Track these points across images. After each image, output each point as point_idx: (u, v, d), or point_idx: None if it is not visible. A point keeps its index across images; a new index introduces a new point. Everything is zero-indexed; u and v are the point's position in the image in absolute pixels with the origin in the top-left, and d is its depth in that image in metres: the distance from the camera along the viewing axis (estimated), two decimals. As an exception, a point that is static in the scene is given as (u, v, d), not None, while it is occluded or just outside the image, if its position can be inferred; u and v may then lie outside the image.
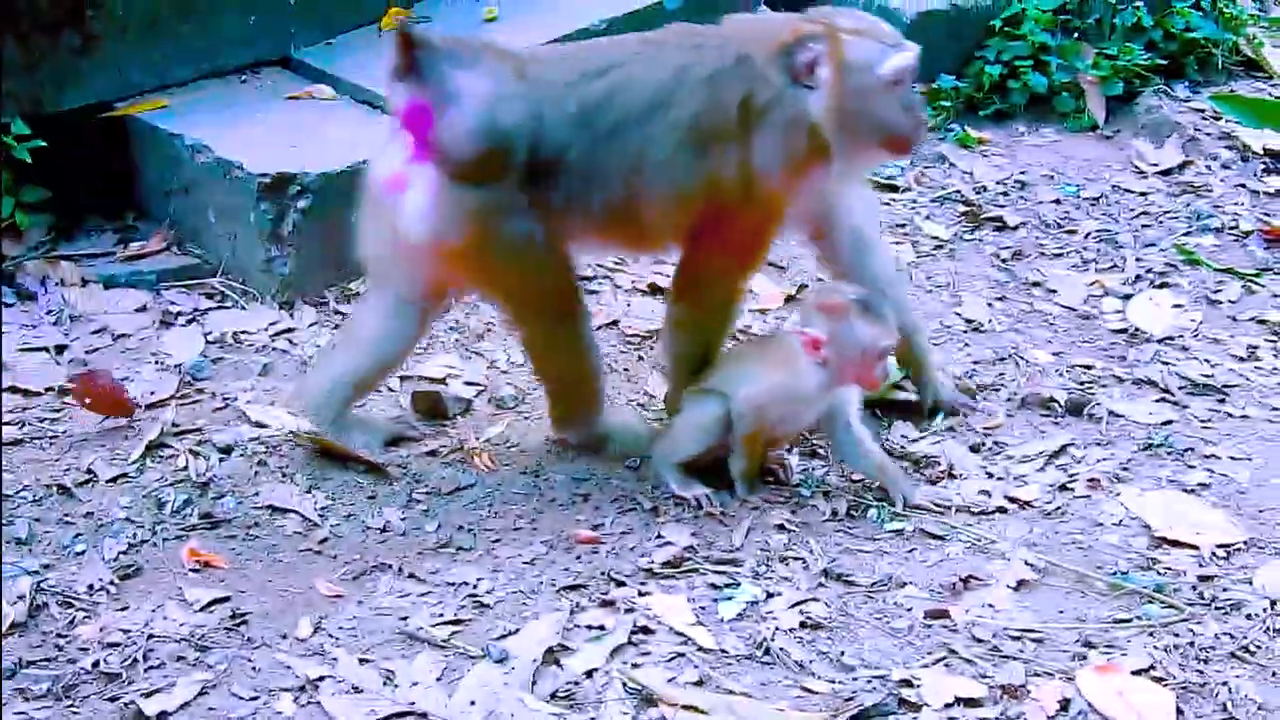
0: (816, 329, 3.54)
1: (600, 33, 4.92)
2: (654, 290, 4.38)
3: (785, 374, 3.57)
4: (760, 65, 3.42)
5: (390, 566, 3.42)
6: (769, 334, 4.02)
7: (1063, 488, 3.73)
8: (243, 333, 4.18)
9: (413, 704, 3.01)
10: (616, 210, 3.47)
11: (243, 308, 4.26)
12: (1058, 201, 4.89)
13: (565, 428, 3.79)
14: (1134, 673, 3.13)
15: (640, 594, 3.35)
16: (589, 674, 3.10)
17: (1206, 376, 4.11)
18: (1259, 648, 3.24)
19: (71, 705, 3.00)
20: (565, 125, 3.40)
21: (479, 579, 3.39)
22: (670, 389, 3.81)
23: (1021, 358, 4.20)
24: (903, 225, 4.80)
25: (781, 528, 3.58)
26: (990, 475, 3.77)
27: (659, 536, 3.53)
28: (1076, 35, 5.35)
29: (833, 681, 3.08)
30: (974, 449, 3.84)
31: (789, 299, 4.33)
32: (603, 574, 3.41)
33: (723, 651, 3.17)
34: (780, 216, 3.54)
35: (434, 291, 3.66)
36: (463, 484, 3.69)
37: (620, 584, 3.38)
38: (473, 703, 3.02)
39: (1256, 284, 4.48)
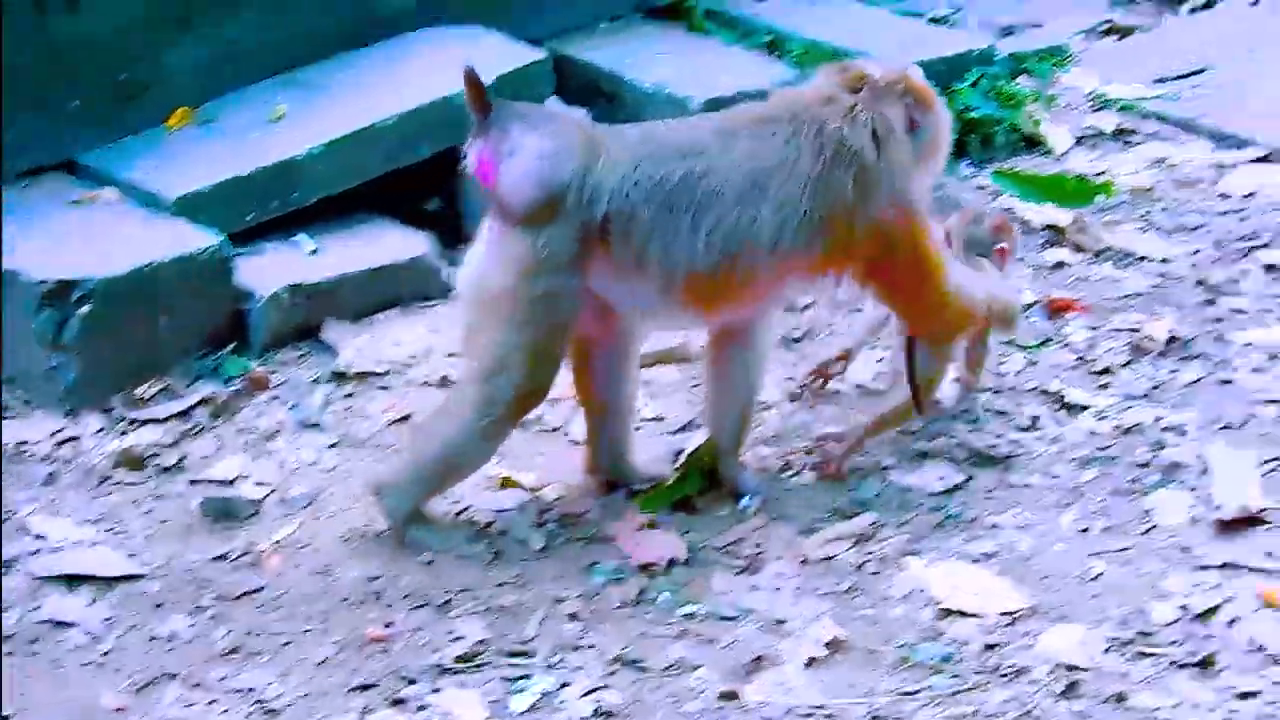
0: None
1: (389, 129, 4.96)
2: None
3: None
4: (858, 144, 3.75)
5: (177, 676, 3.39)
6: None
7: (853, 562, 3.79)
8: (23, 443, 4.13)
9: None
10: (705, 274, 3.68)
11: (24, 417, 4.21)
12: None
13: (382, 496, 3.78)
14: (922, 744, 3.18)
15: (432, 691, 3.34)
16: (379, 774, 3.09)
17: (991, 447, 4.20)
18: (1043, 713, 3.32)
19: None
20: (635, 195, 3.63)
21: (268, 684, 3.38)
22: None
23: (814, 435, 4.26)
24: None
25: (574, 616, 3.60)
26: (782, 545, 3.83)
27: (450, 631, 3.54)
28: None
29: (624, 768, 3.10)
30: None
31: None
32: (394, 673, 3.41)
33: (515, 744, 3.18)
34: (926, 228, 3.85)
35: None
36: (251, 587, 3.67)
37: (411, 682, 3.38)
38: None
39: (1039, 355, 4.59)
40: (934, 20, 6.54)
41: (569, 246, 3.64)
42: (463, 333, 3.78)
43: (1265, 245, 5.07)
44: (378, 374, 4.46)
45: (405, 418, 4.31)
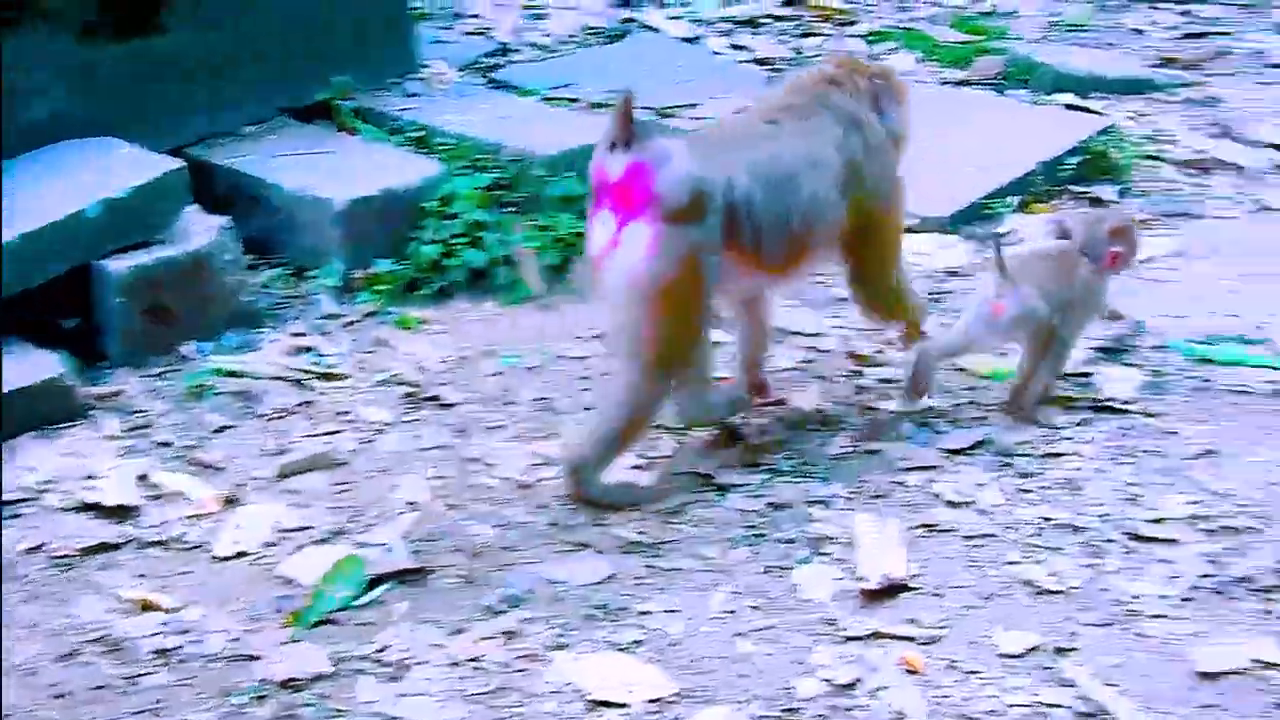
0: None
1: (18, 248, 4.86)
2: (90, 507, 4.33)
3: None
4: (864, 115, 4.52)
5: None
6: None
7: (502, 661, 3.80)
8: None
9: None
10: (789, 244, 4.35)
11: None
12: (499, 374, 5.01)
13: (578, 473, 4.34)
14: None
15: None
16: None
17: (641, 533, 4.25)
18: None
19: None
20: (746, 182, 4.24)
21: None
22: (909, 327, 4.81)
23: (464, 534, 4.26)
24: (344, 413, 4.84)
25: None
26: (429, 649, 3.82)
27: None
28: (511, 209, 5.52)
29: None
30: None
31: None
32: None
33: None
34: (903, 207, 4.64)
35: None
36: None
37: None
38: None
39: (689, 437, 4.66)
40: (594, 106, 6.65)
41: (717, 235, 4.20)
42: (616, 323, 4.28)
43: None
44: (9, 502, 4.36)
45: (39, 546, 4.21)
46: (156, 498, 4.44)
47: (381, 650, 3.87)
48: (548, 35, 7.47)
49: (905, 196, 4.67)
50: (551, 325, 5.26)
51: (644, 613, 3.98)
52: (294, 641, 3.90)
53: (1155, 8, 7.77)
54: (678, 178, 4.14)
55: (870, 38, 7.37)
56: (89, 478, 4.44)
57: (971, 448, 4.57)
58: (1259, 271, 5.30)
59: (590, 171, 4.21)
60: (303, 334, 5.20)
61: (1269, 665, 3.73)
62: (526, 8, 7.80)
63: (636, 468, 4.53)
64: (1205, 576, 4.04)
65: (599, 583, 4.09)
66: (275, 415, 4.83)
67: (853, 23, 7.64)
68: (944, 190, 5.84)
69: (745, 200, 4.26)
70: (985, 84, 6.94)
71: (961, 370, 4.92)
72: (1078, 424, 4.69)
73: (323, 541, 4.27)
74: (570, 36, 7.45)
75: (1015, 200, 5.90)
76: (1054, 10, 7.81)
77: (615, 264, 4.16)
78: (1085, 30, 7.68)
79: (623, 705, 3.64)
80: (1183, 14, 7.72)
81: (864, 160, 4.49)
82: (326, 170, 5.54)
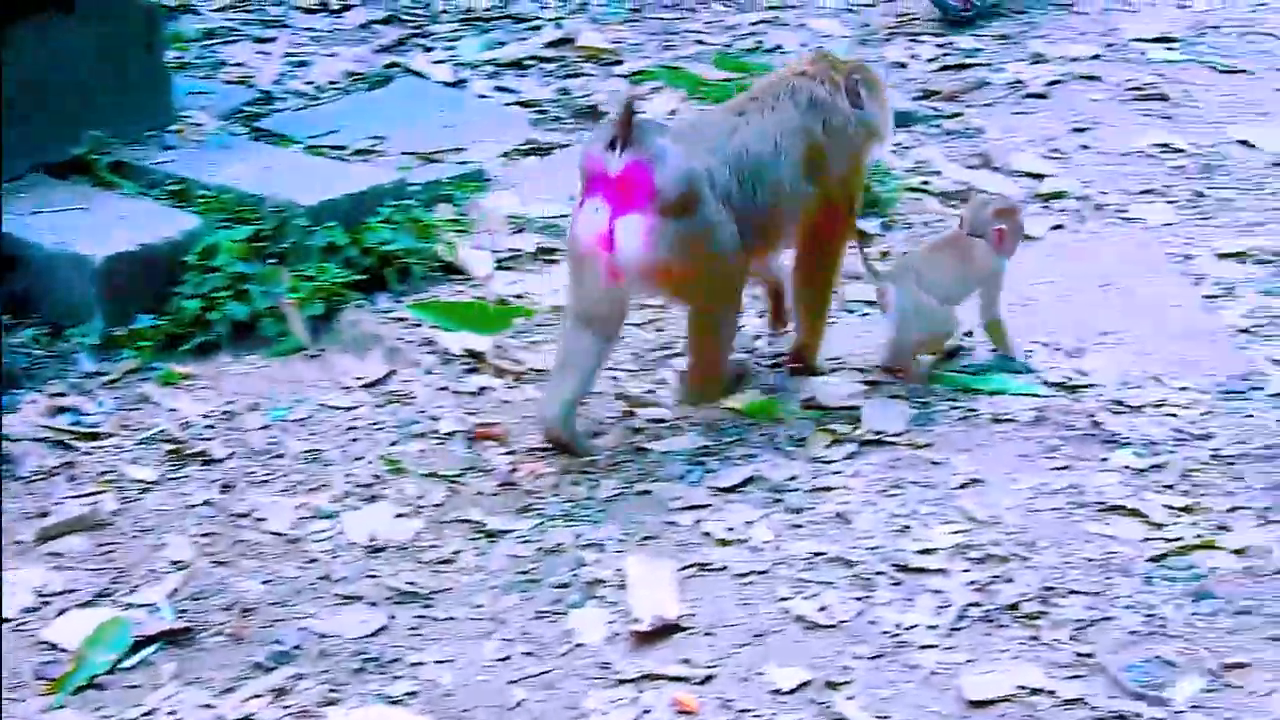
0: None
1: None
2: None
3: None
4: (827, 100, 4.85)
5: None
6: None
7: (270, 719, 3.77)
8: None
9: None
10: (764, 228, 4.75)
11: None
12: (266, 427, 4.97)
13: (695, 399, 4.90)
14: None
15: None
16: None
17: (411, 584, 4.24)
18: None
19: None
20: (722, 171, 4.64)
21: None
22: (807, 335, 5.13)
23: (232, 591, 4.22)
24: (107, 473, 4.77)
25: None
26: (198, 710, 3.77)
27: None
28: (274, 261, 5.47)
29: None
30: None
31: None
32: None
33: None
34: (859, 192, 5.04)
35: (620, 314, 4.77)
36: None
37: None
38: None
39: (461, 484, 4.66)
40: (359, 153, 6.63)
41: (720, 213, 4.60)
42: (653, 295, 4.85)
43: (679, 353, 5.25)
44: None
45: None
46: (-90, 567, 4.33)
47: (149, 714, 3.82)
48: (310, 82, 7.44)
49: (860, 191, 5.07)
50: (318, 376, 5.22)
51: (416, 664, 3.97)
52: (57, 709, 3.83)
53: (916, 40, 7.94)
54: (676, 174, 4.52)
55: (635, 77, 7.44)
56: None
57: (742, 485, 4.63)
58: (1023, 299, 5.43)
59: (582, 164, 4.58)
60: (62, 394, 5.11)
61: (1035, 691, 3.82)
62: (288, 55, 7.75)
63: (401, 515, 4.52)
64: (972, 605, 4.13)
65: (370, 635, 4.08)
66: (35, 477, 4.74)
67: (618, 62, 7.70)
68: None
69: (724, 193, 4.62)
70: (749, 122, 7.04)
71: (730, 409, 4.98)
72: (846, 457, 4.77)
73: (87, 604, 4.20)
74: (333, 83, 7.42)
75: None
76: (816, 44, 7.93)
77: (618, 251, 4.53)
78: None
79: (393, 758, 3.62)
80: (941, 46, 7.90)
81: (826, 145, 4.83)
82: (85, 227, 5.46)
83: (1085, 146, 6.81)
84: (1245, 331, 5.40)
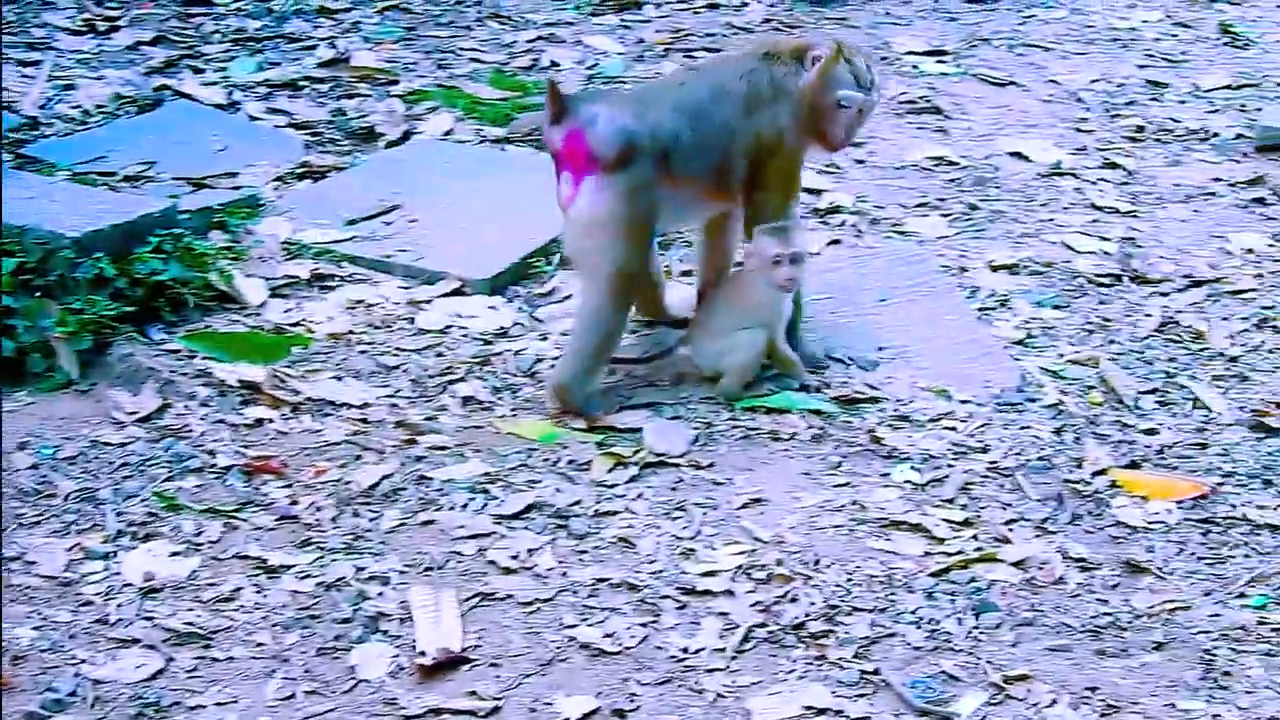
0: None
1: None
2: None
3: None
4: (779, 61, 5.17)
5: None
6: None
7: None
8: None
9: None
10: (713, 168, 5.11)
11: None
12: (35, 466, 4.85)
13: (565, 389, 5.05)
14: None
15: None
16: None
17: (189, 624, 4.17)
18: None
19: None
20: (671, 119, 5.03)
21: None
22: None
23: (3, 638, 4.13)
24: None
25: None
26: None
27: None
28: (40, 294, 5.35)
29: None
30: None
31: None
32: None
33: None
34: (800, 161, 5.25)
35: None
36: None
37: None
38: None
39: (239, 519, 4.60)
40: (128, 179, 6.51)
41: (650, 174, 4.97)
42: (574, 253, 5.12)
43: (461, 379, 5.25)
44: None
45: None
46: None
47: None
48: (77, 107, 7.29)
49: (805, 147, 5.24)
50: (89, 412, 5.12)
51: (196, 707, 3.92)
52: None
53: (690, 56, 8.01)
54: (607, 134, 4.91)
55: (410, 97, 7.41)
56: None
57: (525, 511, 4.64)
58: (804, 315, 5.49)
59: (546, 144, 5.05)
60: None
61: (822, 711, 3.87)
62: (53, 78, 7.59)
63: (177, 554, 4.46)
64: (758, 626, 4.18)
65: (148, 679, 4.01)
66: None
67: (394, 82, 7.66)
68: (486, 252, 5.91)
69: (673, 137, 5.01)
70: (526, 141, 7.04)
71: (512, 434, 4.98)
72: (629, 480, 4.80)
73: None
74: (100, 108, 7.28)
75: (556, 257, 5.99)
76: (593, 63, 7.97)
77: (580, 206, 4.95)
78: (626, 82, 7.86)
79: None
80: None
81: (768, 93, 5.12)
82: None
83: (860, 161, 6.92)
84: (1019, 343, 5.52)
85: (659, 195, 5.05)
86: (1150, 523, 4.66)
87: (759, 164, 5.17)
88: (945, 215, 6.46)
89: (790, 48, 5.23)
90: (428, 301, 5.72)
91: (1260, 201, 6.68)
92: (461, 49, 8.14)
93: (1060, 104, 7.62)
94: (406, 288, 5.80)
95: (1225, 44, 8.52)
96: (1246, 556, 4.55)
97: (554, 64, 7.96)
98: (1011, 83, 7.83)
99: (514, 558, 4.44)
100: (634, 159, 4.96)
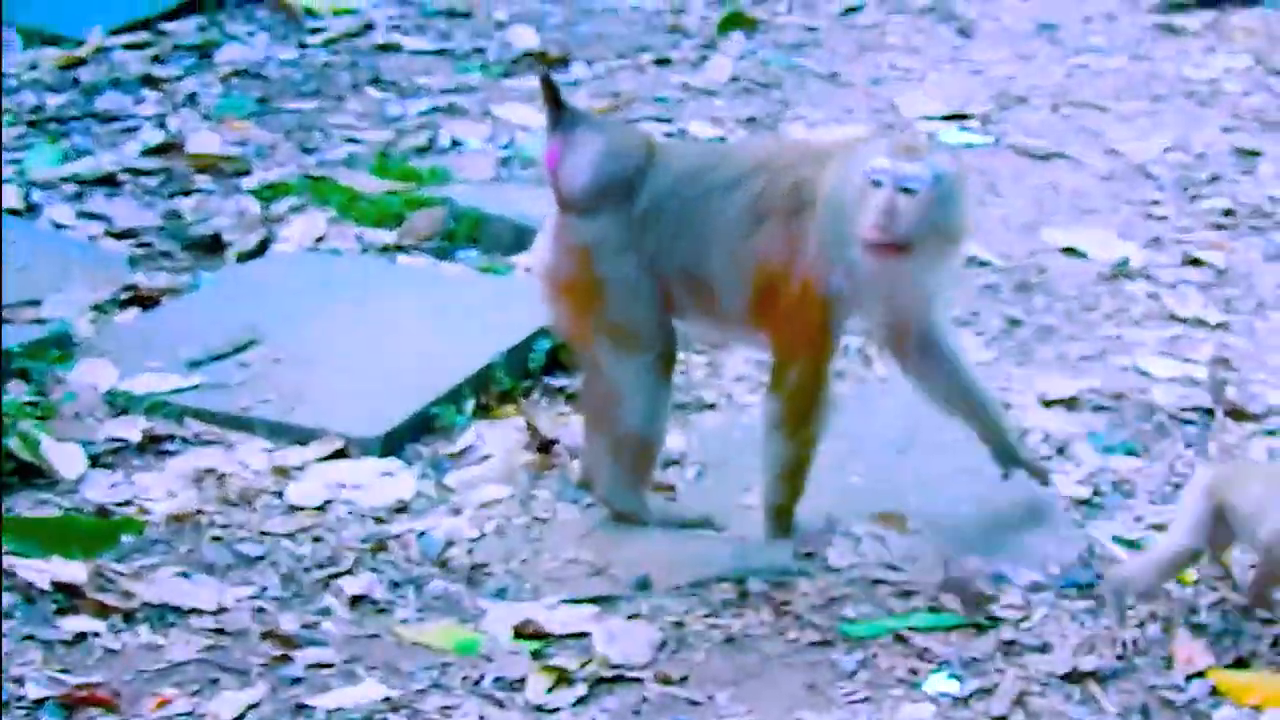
0: None
1: None
2: None
3: None
4: (825, 167, 5.15)
5: None
6: None
7: None
8: None
9: None
10: (694, 275, 5.27)
11: None
12: None
13: (609, 490, 5.44)
14: None
15: None
16: None
17: None
18: None
19: None
20: (669, 182, 5.24)
21: None
22: (768, 495, 5.39)
23: None
24: None
25: None
26: None
27: None
28: None
29: None
30: None
31: None
32: None
33: None
34: (824, 304, 5.15)
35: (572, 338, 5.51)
36: None
37: None
38: None
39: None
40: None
41: (620, 234, 5.21)
42: (552, 315, 5.45)
43: (348, 571, 5.27)
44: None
45: None
46: None
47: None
48: None
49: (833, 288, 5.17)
50: None
51: None
52: None
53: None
54: (579, 167, 5.20)
55: (266, 193, 7.45)
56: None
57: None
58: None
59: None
60: None
61: None
62: None
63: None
64: None
65: None
66: None
67: (244, 173, 7.72)
68: (374, 402, 5.94)
69: (655, 208, 5.24)
70: (423, 248, 7.10)
71: (418, 643, 4.98)
72: (576, 703, 4.81)
73: None
74: None
75: (471, 404, 6.03)
76: (507, 141, 8.05)
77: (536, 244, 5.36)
78: (547, 166, 7.93)
79: None
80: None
81: (788, 199, 5.19)
82: None
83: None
84: (1084, 504, 5.58)
85: (635, 265, 5.27)
86: (1266, 741, 4.71)
87: (766, 300, 5.24)
88: (979, 334, 6.53)
89: (844, 148, 5.26)
90: (300, 468, 5.75)
91: (1388, 305, 6.78)
92: (333, 126, 8.20)
93: (1123, 181, 7.72)
94: (271, 450, 5.82)
95: (1337, 99, 8.65)
96: (1391, 782, 4.59)
97: (455, 143, 8.03)
98: (1058, 155, 7.93)
99: (430, 813, 4.44)
100: (603, 209, 5.23)
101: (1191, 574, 5.22)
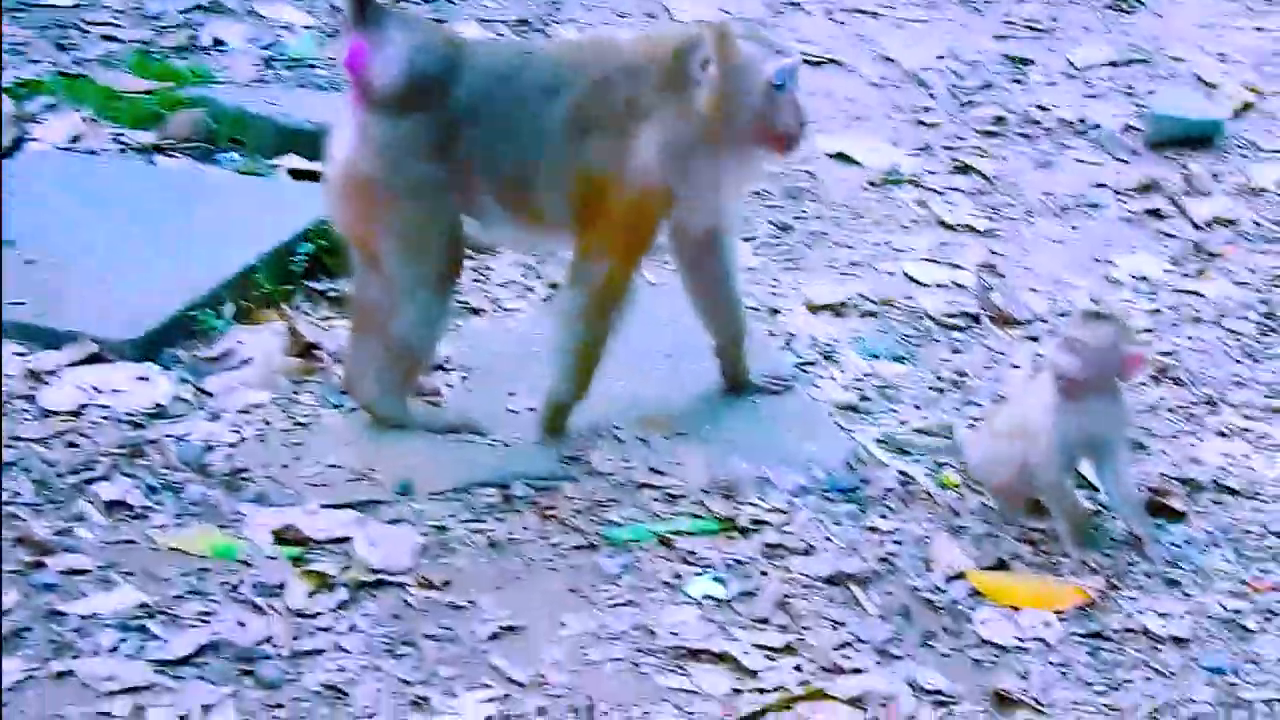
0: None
1: None
2: None
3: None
4: (653, 71, 5.24)
5: None
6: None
7: None
8: None
9: None
10: (512, 178, 5.31)
11: None
12: None
13: (373, 395, 5.47)
14: None
15: None
16: None
17: None
18: None
19: None
20: (484, 83, 5.24)
21: None
22: (556, 384, 5.46)
23: None
24: None
25: None
26: None
27: None
28: None
29: None
30: None
31: None
32: None
33: None
34: (656, 212, 5.31)
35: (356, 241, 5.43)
36: None
37: None
38: None
39: None
40: None
41: (429, 134, 5.22)
42: (339, 215, 5.40)
43: (104, 477, 5.25)
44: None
45: None
46: None
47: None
48: None
49: (666, 197, 5.30)
50: None
51: None
52: None
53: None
54: (393, 62, 5.18)
55: (19, 91, 7.36)
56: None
57: (196, 654, 4.65)
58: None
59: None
60: None
61: None
62: None
63: None
64: (515, 798, 4.25)
65: None
66: None
67: (-5, 71, 7.62)
68: (131, 304, 5.90)
69: (469, 111, 5.24)
70: (183, 149, 7.05)
71: (175, 549, 4.99)
72: (337, 607, 4.83)
73: None
74: None
75: (231, 308, 6.02)
76: (271, 41, 7.99)
77: (329, 156, 5.31)
78: (316, 67, 7.90)
79: None
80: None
81: (620, 115, 5.25)
82: None
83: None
84: (848, 409, 5.68)
85: (447, 177, 5.28)
86: (1023, 641, 4.83)
87: (589, 204, 5.31)
88: (748, 239, 6.58)
89: (668, 50, 5.30)
90: (53, 372, 5.71)
91: (1155, 214, 6.91)
92: (89, 23, 8.10)
93: (895, 89, 7.80)
94: (23, 354, 5.77)
95: (1107, 6, 8.74)
96: (1147, 680, 4.73)
97: (217, 42, 7.97)
98: (831, 60, 7.98)
99: (183, 718, 4.45)
100: (417, 107, 5.22)
101: (954, 477, 5.32)
